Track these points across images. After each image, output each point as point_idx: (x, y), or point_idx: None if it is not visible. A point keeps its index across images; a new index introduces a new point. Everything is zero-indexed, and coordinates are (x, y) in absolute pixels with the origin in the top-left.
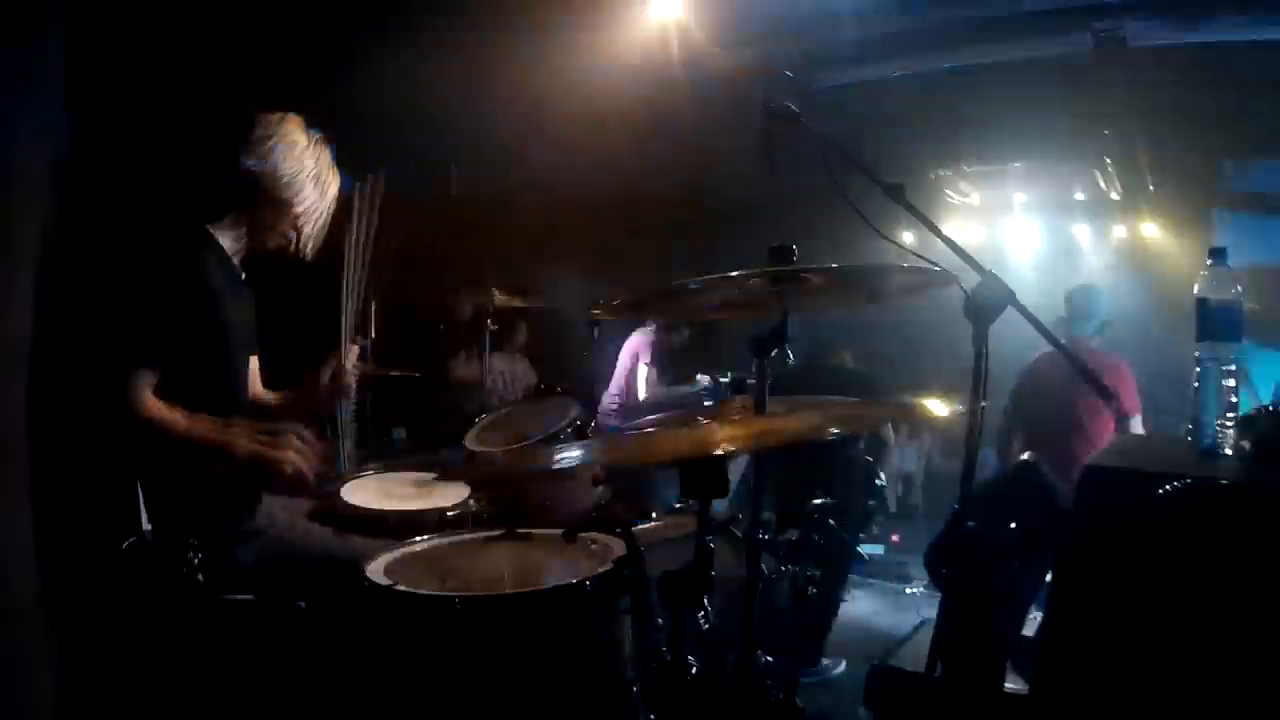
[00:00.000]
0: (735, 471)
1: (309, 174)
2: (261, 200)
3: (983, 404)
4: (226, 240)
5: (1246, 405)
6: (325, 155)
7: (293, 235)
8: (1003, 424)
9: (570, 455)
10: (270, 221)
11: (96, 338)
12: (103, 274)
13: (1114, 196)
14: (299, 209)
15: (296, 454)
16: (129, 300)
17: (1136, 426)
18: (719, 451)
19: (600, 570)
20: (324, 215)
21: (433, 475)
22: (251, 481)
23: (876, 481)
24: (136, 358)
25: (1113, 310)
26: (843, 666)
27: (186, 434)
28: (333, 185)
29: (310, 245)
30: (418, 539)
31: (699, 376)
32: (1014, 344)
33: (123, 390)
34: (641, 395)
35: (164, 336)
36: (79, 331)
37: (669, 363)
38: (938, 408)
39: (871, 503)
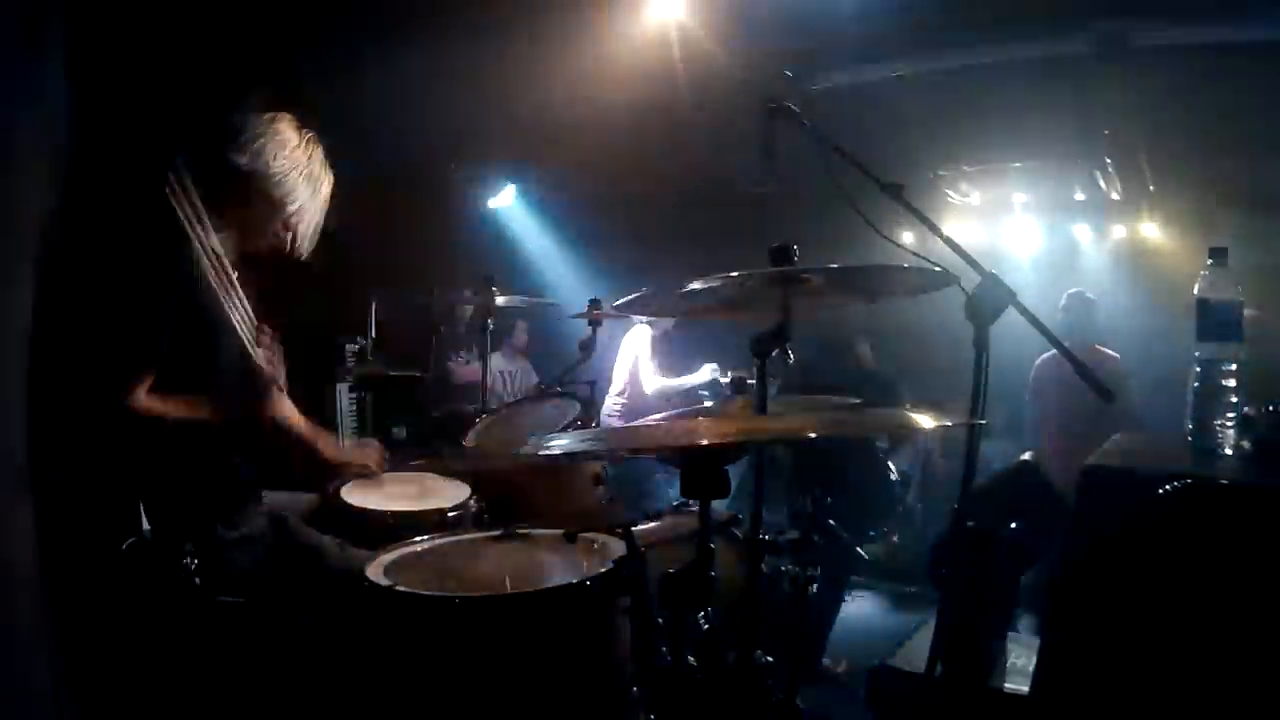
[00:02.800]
0: (735, 472)
1: (301, 172)
2: (253, 200)
3: (982, 420)
4: (216, 239)
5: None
6: (318, 153)
7: (285, 235)
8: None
9: (561, 443)
10: (262, 221)
11: (94, 341)
12: (99, 276)
13: (1114, 196)
14: (291, 208)
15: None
16: (123, 305)
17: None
18: (704, 443)
19: (600, 570)
20: (317, 213)
21: (432, 475)
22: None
23: (891, 476)
24: (126, 364)
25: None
26: (843, 666)
27: (187, 418)
28: (325, 183)
29: (306, 244)
30: (418, 539)
31: (706, 366)
32: (1016, 343)
33: (123, 398)
34: (648, 389)
35: (155, 343)
36: (78, 333)
37: (667, 353)
38: (926, 421)
39: (885, 498)
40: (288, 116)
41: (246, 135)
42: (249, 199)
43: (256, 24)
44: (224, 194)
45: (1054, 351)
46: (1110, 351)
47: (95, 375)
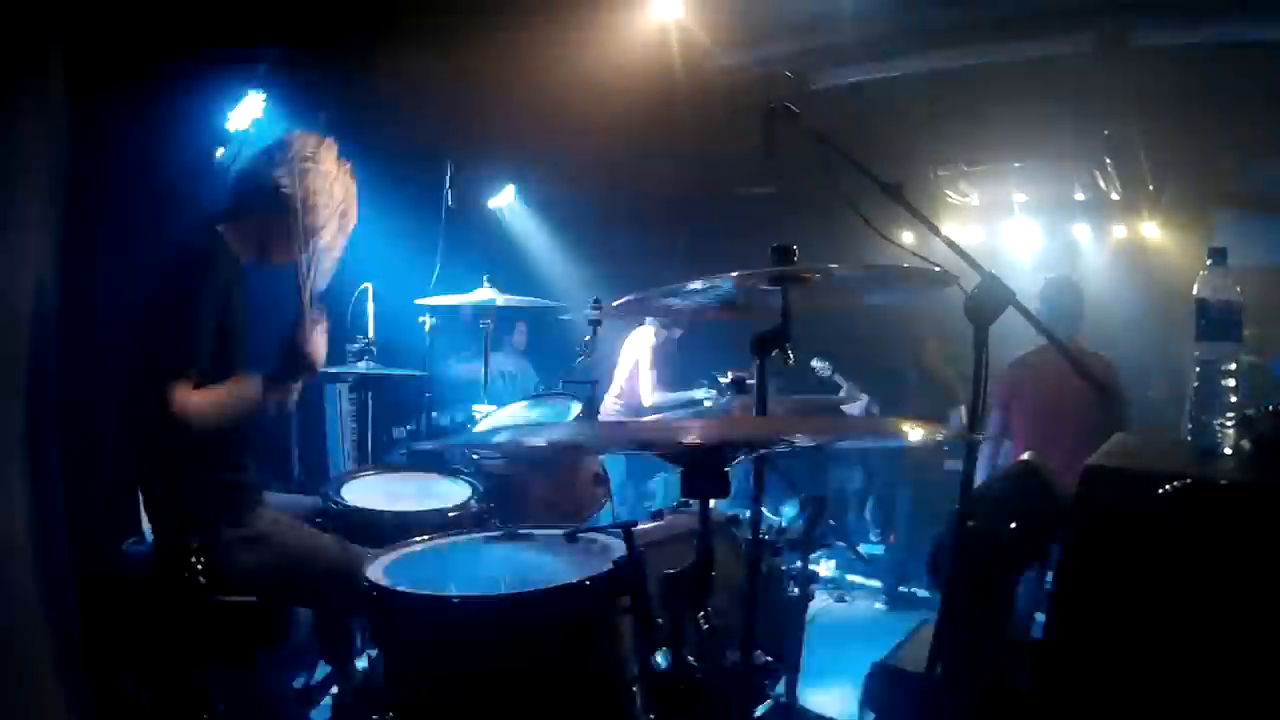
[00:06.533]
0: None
1: (336, 208)
2: (282, 216)
3: (983, 437)
4: (233, 241)
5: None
6: (351, 188)
7: (303, 259)
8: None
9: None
10: (284, 238)
11: (102, 338)
12: (110, 273)
13: (1114, 196)
14: (324, 239)
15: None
16: (154, 304)
17: None
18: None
19: (600, 570)
20: (339, 249)
21: (432, 475)
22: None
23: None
24: (172, 367)
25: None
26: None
27: (228, 403)
28: (351, 219)
29: (323, 279)
30: (418, 539)
31: (699, 390)
32: (1015, 344)
33: (171, 399)
34: (646, 401)
35: (194, 345)
36: (85, 331)
37: (667, 363)
38: (915, 434)
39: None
40: (331, 144)
41: (292, 154)
42: (278, 215)
43: (267, 22)
44: (255, 203)
45: (1034, 349)
46: (1098, 353)
47: (142, 379)
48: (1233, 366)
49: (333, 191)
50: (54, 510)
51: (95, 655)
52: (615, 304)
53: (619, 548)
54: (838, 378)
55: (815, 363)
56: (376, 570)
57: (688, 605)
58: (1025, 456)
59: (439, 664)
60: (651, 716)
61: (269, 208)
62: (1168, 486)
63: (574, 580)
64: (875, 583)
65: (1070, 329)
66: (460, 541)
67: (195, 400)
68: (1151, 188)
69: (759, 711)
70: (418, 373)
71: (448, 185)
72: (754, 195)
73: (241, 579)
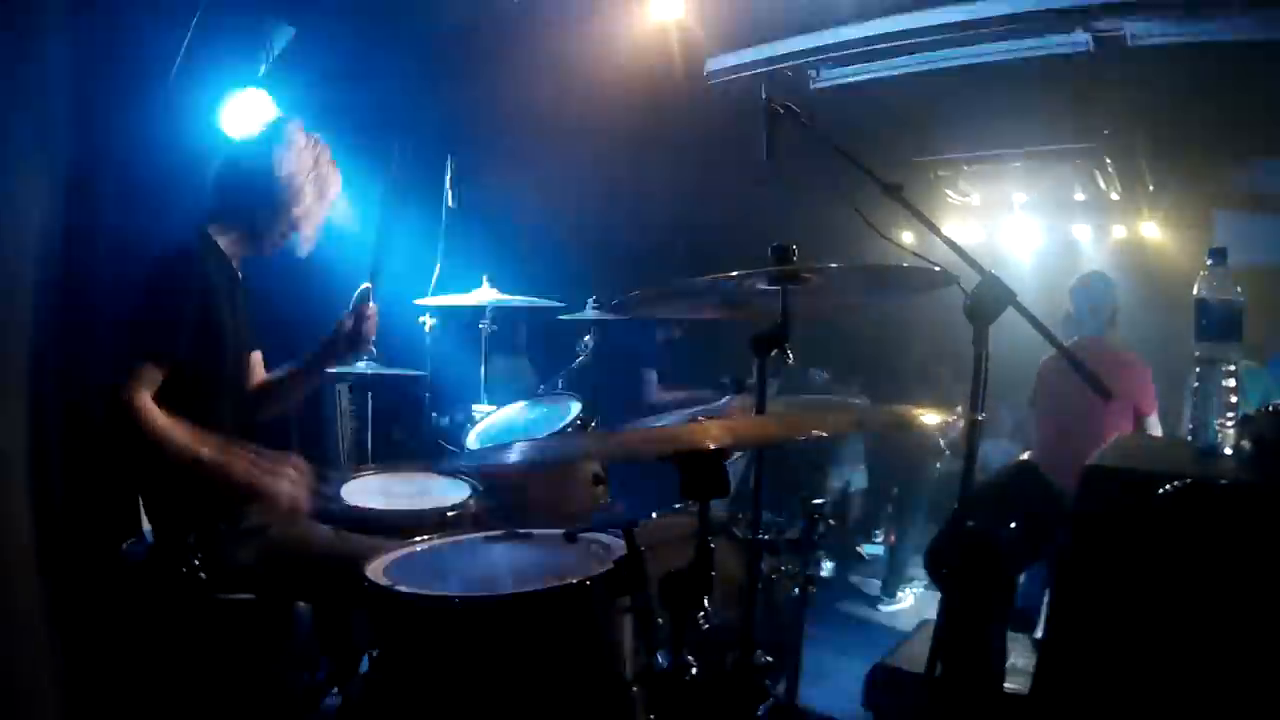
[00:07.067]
0: (735, 473)
1: (308, 175)
2: (260, 202)
3: (981, 415)
4: (224, 241)
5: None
6: (325, 155)
7: (290, 235)
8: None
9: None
10: (268, 224)
11: (100, 340)
12: (106, 277)
13: (1114, 196)
14: (298, 210)
15: (291, 485)
16: (132, 301)
17: (1154, 426)
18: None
19: (600, 570)
20: (322, 215)
21: (432, 475)
22: (244, 501)
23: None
24: (137, 358)
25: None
26: None
27: (185, 449)
28: (333, 186)
29: (308, 245)
30: (418, 539)
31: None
32: (1017, 344)
33: (124, 391)
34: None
35: (165, 338)
36: (83, 333)
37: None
38: (931, 419)
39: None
40: (295, 120)
41: (255, 139)
42: (256, 202)
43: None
44: (232, 196)
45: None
46: (1126, 352)
47: (106, 370)
48: (1232, 367)
49: (303, 163)
50: (54, 510)
51: (95, 654)
52: (615, 304)
53: (619, 548)
54: (833, 385)
55: (812, 372)
56: (376, 570)
57: (688, 605)
58: (1024, 456)
59: (440, 664)
60: (652, 716)
61: (249, 197)
62: (1168, 486)
63: (574, 580)
64: (875, 583)
65: (1102, 328)
66: (460, 542)
67: (154, 415)
68: (1151, 188)
69: (759, 711)
70: (417, 373)
71: (448, 185)
72: (754, 195)
73: (239, 573)
